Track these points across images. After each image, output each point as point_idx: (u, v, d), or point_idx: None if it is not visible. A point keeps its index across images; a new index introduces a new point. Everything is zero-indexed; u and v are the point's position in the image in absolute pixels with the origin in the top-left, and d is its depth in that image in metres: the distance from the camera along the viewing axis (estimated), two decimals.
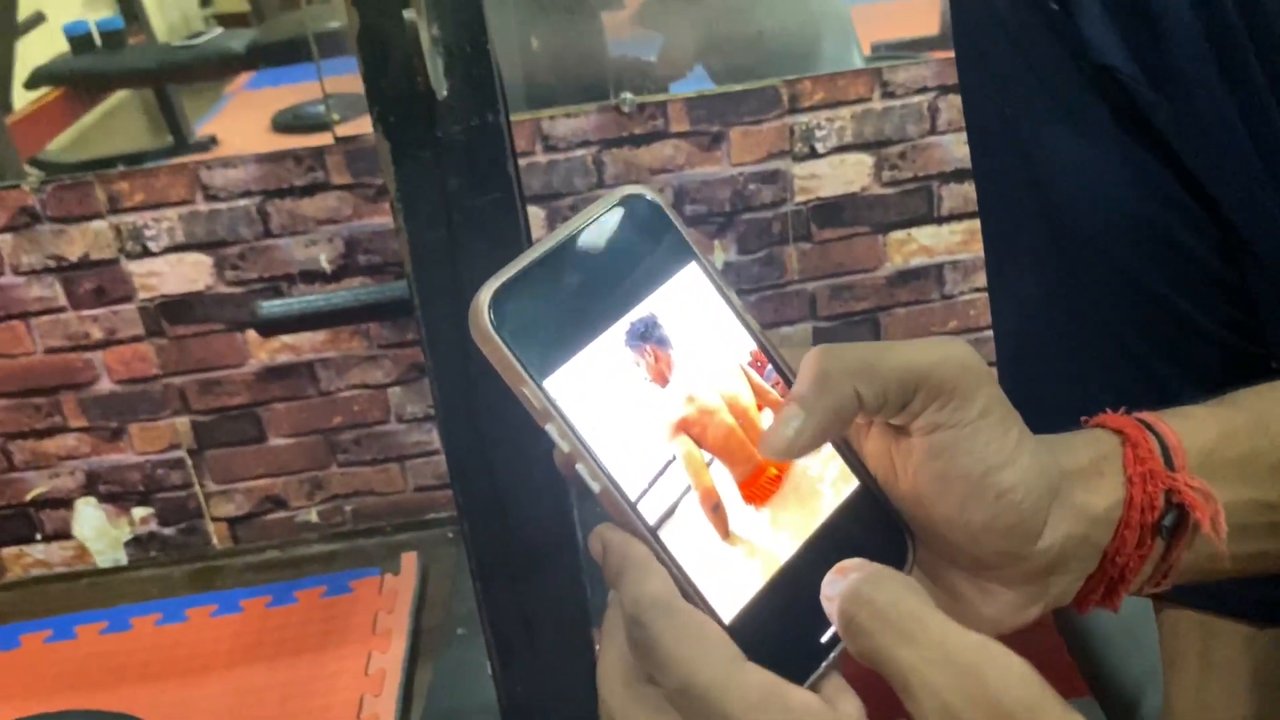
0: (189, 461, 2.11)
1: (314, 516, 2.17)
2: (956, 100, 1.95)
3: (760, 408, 0.37)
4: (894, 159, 1.99)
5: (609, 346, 0.35)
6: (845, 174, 1.98)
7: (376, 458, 2.13)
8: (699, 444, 0.35)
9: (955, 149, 1.98)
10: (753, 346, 0.37)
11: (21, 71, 2.36)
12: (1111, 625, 0.84)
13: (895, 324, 2.10)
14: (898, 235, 2.04)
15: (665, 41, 2.20)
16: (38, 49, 2.44)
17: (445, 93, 1.14)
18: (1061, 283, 0.60)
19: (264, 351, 2.03)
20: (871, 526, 0.37)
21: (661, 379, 0.35)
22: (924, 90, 1.94)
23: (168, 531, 2.16)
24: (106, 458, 2.09)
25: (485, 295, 0.34)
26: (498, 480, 1.36)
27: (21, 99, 2.40)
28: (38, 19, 2.49)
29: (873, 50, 2.19)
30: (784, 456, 0.35)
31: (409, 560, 2.09)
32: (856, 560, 0.35)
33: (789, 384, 0.37)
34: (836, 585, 0.34)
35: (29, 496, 2.11)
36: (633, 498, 0.34)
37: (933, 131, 1.97)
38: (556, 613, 1.44)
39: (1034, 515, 0.36)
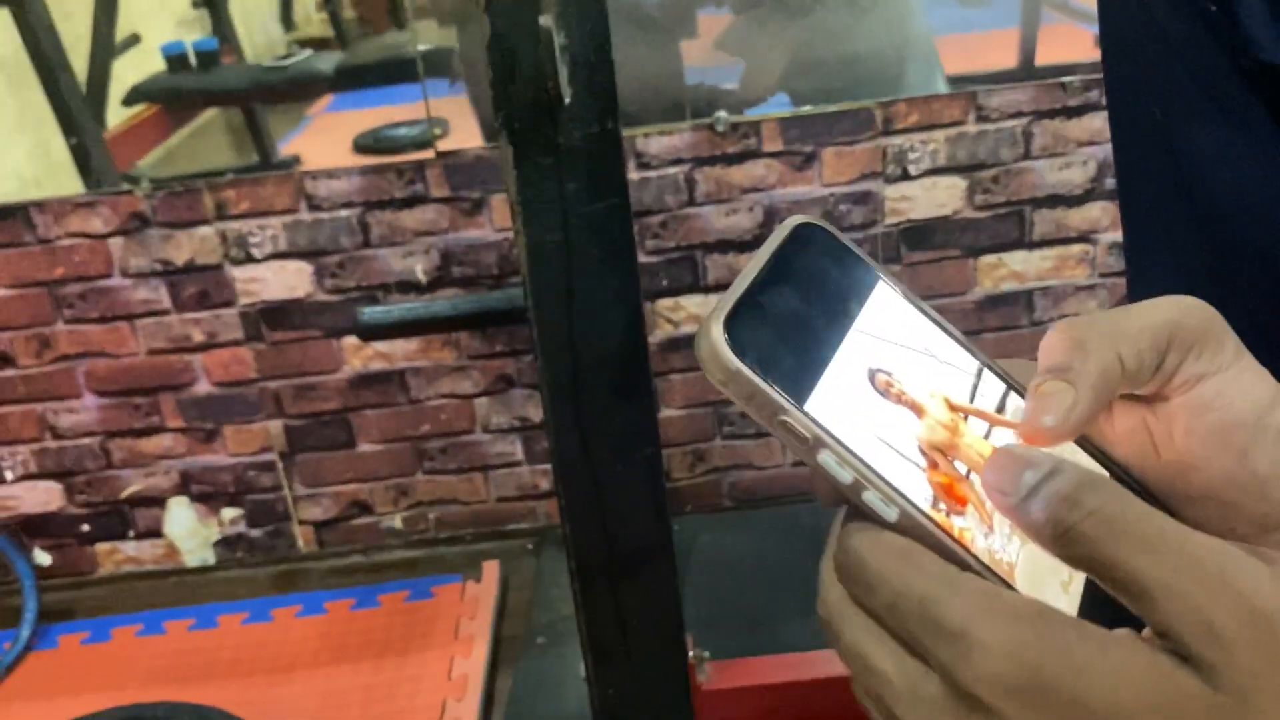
0: (279, 464, 2.16)
1: (398, 523, 2.20)
2: (1051, 125, 1.95)
3: (988, 418, 0.35)
4: (987, 183, 1.99)
5: (845, 368, 0.33)
6: (937, 196, 1.99)
7: (462, 467, 2.16)
8: (952, 455, 0.34)
9: (1048, 174, 1.98)
10: (967, 355, 0.37)
11: (118, 89, 2.44)
12: None
13: (984, 349, 2.09)
14: (988, 259, 2.04)
15: (747, 66, 2.23)
16: (133, 69, 2.52)
17: (569, 100, 1.17)
18: (1212, 290, 0.60)
19: (358, 359, 2.08)
20: None
21: (903, 398, 0.34)
22: (1019, 115, 1.95)
23: (255, 533, 2.21)
24: (200, 458, 2.15)
25: (717, 327, 0.31)
26: (600, 483, 1.38)
27: (115, 117, 2.48)
28: (133, 40, 2.58)
29: (953, 82, 2.20)
30: (1057, 438, 0.32)
31: (490, 568, 2.11)
32: (1029, 450, 0.32)
33: (1009, 386, 0.36)
34: (1014, 479, 0.31)
35: (124, 494, 2.17)
36: (935, 516, 0.32)
37: (1026, 156, 1.97)
38: (652, 617, 1.45)
39: None
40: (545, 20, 1.08)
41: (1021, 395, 0.36)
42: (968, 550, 0.32)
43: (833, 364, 0.33)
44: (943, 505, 0.32)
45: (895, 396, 0.33)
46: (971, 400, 0.35)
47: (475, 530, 2.20)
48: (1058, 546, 0.30)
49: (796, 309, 0.33)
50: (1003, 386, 0.36)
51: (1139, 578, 0.29)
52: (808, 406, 0.31)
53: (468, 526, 2.20)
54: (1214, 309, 0.35)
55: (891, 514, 0.31)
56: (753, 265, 0.34)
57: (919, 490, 0.32)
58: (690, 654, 1.48)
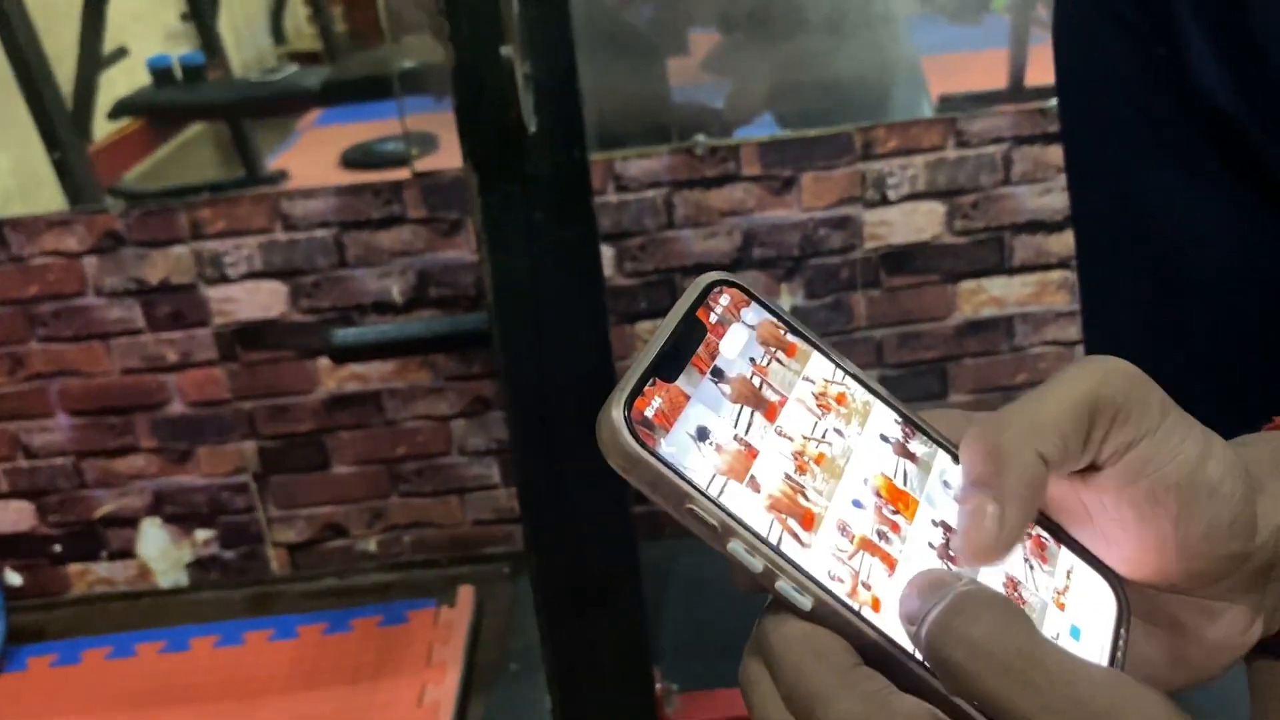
0: (253, 486, 2.14)
1: (373, 546, 2.18)
2: (1031, 151, 1.95)
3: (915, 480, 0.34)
4: (966, 208, 1.98)
5: (761, 446, 0.31)
6: (916, 222, 1.98)
7: (437, 489, 2.15)
8: (879, 535, 0.32)
9: (1028, 200, 1.97)
10: (895, 415, 0.35)
11: (104, 103, 2.43)
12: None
13: (963, 374, 2.08)
14: (968, 285, 2.03)
15: (733, 87, 2.22)
16: (120, 82, 2.51)
17: (534, 128, 1.16)
18: (1164, 331, 0.59)
19: (333, 380, 2.06)
20: (1073, 581, 0.34)
21: (823, 469, 0.32)
22: (998, 140, 1.94)
23: (228, 555, 2.19)
24: (173, 479, 2.13)
25: (618, 410, 0.30)
26: (566, 514, 1.36)
27: (101, 131, 2.47)
28: (121, 53, 2.57)
29: (941, 102, 2.19)
30: (991, 558, 0.32)
31: (465, 593, 2.09)
32: (934, 574, 0.31)
33: (941, 447, 0.35)
34: (915, 605, 0.30)
35: (97, 514, 2.15)
36: (854, 605, 0.30)
37: (1006, 182, 1.96)
38: (619, 649, 1.43)
39: (1248, 505, 0.34)
40: (507, 50, 1.07)
41: (953, 456, 0.35)
42: (889, 639, 0.30)
43: (747, 440, 0.31)
44: (869, 590, 0.31)
45: (813, 475, 0.32)
46: (898, 472, 0.34)
47: (451, 554, 2.18)
48: (943, 679, 0.29)
49: (707, 382, 0.32)
50: (935, 450, 0.35)
51: (1018, 714, 0.27)
52: (715, 492, 0.30)
53: (443, 550, 2.18)
54: (1134, 368, 0.34)
55: (806, 603, 0.30)
56: (660, 334, 0.32)
57: (841, 575, 0.31)
58: (658, 686, 1.46)
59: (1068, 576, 0.34)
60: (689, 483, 0.29)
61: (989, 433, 0.32)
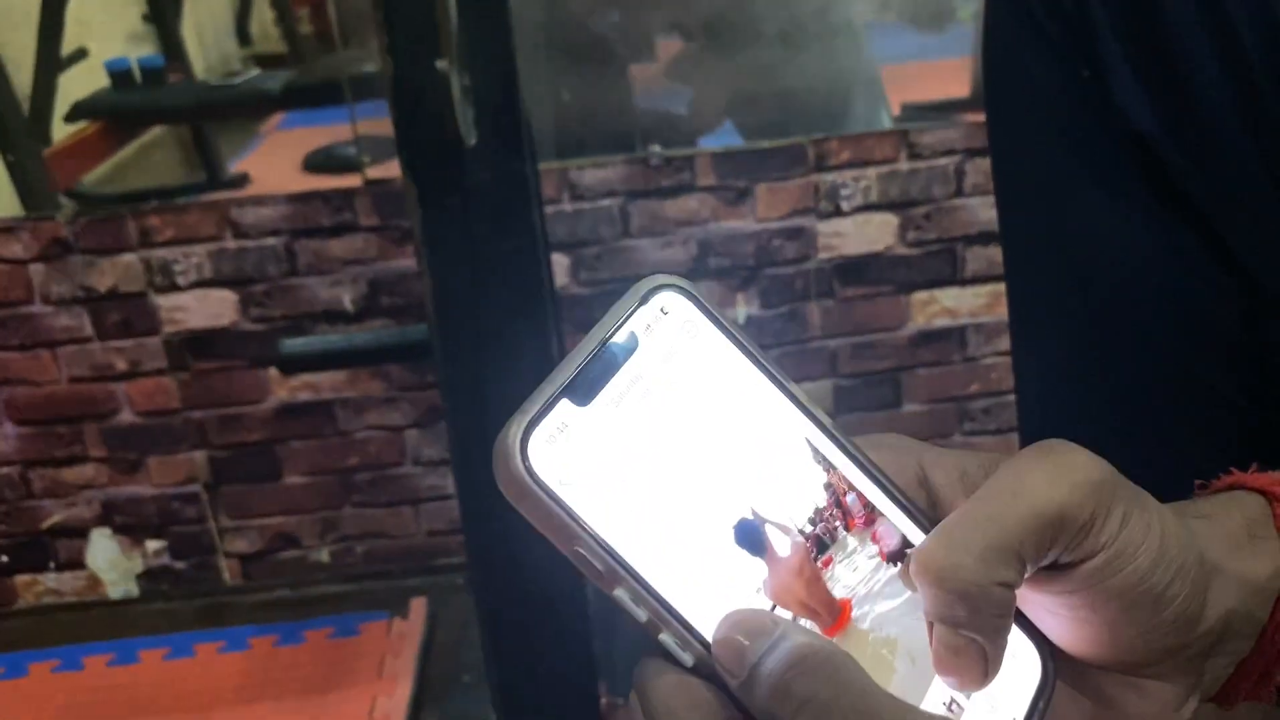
0: (204, 496, 2.12)
1: (326, 557, 2.16)
2: (983, 164, 1.96)
3: (852, 526, 0.32)
4: (919, 220, 1.99)
5: (677, 487, 0.29)
6: (870, 233, 1.99)
7: (391, 500, 2.13)
8: (797, 591, 0.31)
9: (980, 212, 1.98)
10: (834, 452, 0.32)
11: (62, 105, 2.40)
12: None
13: (917, 384, 2.09)
14: (921, 295, 2.03)
15: (695, 96, 2.22)
16: (79, 84, 2.48)
17: (474, 141, 1.15)
18: (1087, 348, 0.59)
19: (284, 389, 2.04)
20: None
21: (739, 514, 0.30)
22: (950, 153, 1.95)
23: (180, 565, 2.16)
24: (123, 489, 2.10)
25: (514, 436, 0.28)
26: (509, 527, 1.35)
27: (60, 132, 2.44)
28: (80, 55, 2.54)
29: (902, 110, 2.20)
30: (981, 687, 0.31)
31: (418, 605, 2.08)
32: (753, 616, 0.29)
33: (881, 489, 0.33)
34: (737, 650, 0.29)
35: (45, 524, 2.12)
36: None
37: (958, 194, 1.97)
38: (563, 664, 1.42)
39: (1193, 603, 0.33)
40: (443, 64, 1.06)
41: (897, 501, 0.33)
42: None
43: (659, 480, 0.29)
44: None
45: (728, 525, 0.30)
46: (840, 519, 0.32)
47: (404, 565, 2.17)
48: None
49: (625, 408, 0.29)
50: (881, 494, 0.33)
51: None
52: (607, 535, 0.28)
53: (397, 561, 2.17)
54: (1104, 470, 0.32)
55: (687, 659, 0.29)
56: (581, 348, 0.29)
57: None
58: (603, 700, 1.45)
59: None
60: (579, 523, 0.28)
61: (946, 568, 0.30)
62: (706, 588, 0.29)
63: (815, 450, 0.32)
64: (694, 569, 0.29)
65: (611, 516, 0.28)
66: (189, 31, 3.04)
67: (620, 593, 0.28)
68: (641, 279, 0.31)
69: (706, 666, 0.29)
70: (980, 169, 1.95)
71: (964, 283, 2.03)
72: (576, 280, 2.01)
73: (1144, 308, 0.55)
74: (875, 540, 0.32)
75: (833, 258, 2.00)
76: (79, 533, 2.13)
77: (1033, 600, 0.33)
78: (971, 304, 2.04)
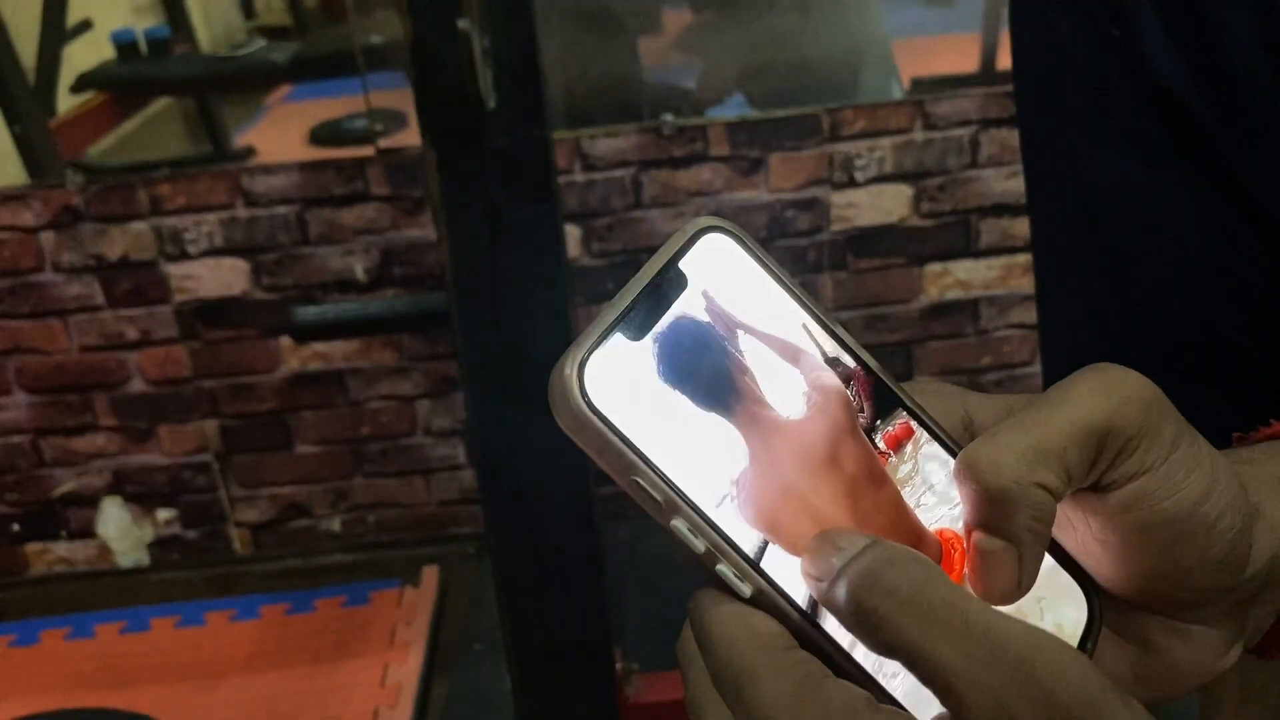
0: (215, 465, 2.12)
1: (336, 526, 2.17)
2: (998, 134, 1.95)
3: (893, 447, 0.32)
4: (933, 191, 1.98)
5: (727, 420, 0.29)
6: (884, 204, 1.98)
7: (402, 470, 2.13)
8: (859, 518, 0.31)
9: (995, 183, 1.97)
10: (881, 389, 0.32)
11: (68, 76, 2.39)
12: None
13: (929, 357, 2.09)
14: (934, 268, 2.03)
15: (704, 67, 2.21)
16: (84, 55, 2.47)
17: (494, 104, 1.15)
18: (1114, 310, 0.59)
19: (295, 359, 2.04)
20: (1043, 580, 0.32)
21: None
22: (966, 123, 1.94)
23: (190, 535, 2.17)
24: (134, 458, 2.10)
25: (571, 367, 0.28)
26: (526, 495, 1.36)
27: (66, 103, 2.43)
28: (85, 26, 2.53)
29: (913, 85, 2.19)
30: (1011, 601, 0.31)
31: (429, 574, 2.08)
32: (843, 532, 0.29)
33: (924, 425, 0.32)
34: (829, 562, 0.29)
35: (55, 493, 2.12)
36: (793, 594, 0.29)
37: (973, 165, 1.96)
38: (578, 630, 1.43)
39: (1242, 541, 0.32)
40: (464, 23, 1.05)
41: (943, 442, 0.32)
42: (830, 638, 0.29)
43: (712, 414, 0.29)
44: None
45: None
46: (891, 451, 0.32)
47: (415, 535, 2.17)
48: (860, 632, 0.28)
49: (677, 343, 0.29)
50: (926, 434, 0.32)
51: (939, 663, 0.27)
52: (665, 465, 0.28)
53: (408, 530, 2.17)
54: (1152, 389, 0.32)
55: (745, 590, 0.29)
56: (632, 286, 0.29)
57: (786, 563, 0.29)
58: (619, 666, 1.46)
59: (1042, 576, 0.33)
60: (637, 453, 0.28)
61: (986, 468, 0.30)
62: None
63: (863, 387, 0.32)
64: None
65: (667, 448, 0.28)
66: (192, 3, 3.02)
67: (678, 523, 0.28)
68: (689, 220, 0.31)
69: (766, 597, 0.29)
70: (995, 140, 1.94)
71: (977, 255, 2.02)
72: (588, 252, 2.00)
73: (1172, 268, 0.55)
74: (925, 478, 0.32)
75: (846, 229, 1.99)
76: (90, 502, 2.13)
77: (1083, 528, 0.33)
78: (985, 276, 2.03)
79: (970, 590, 0.31)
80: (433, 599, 2.02)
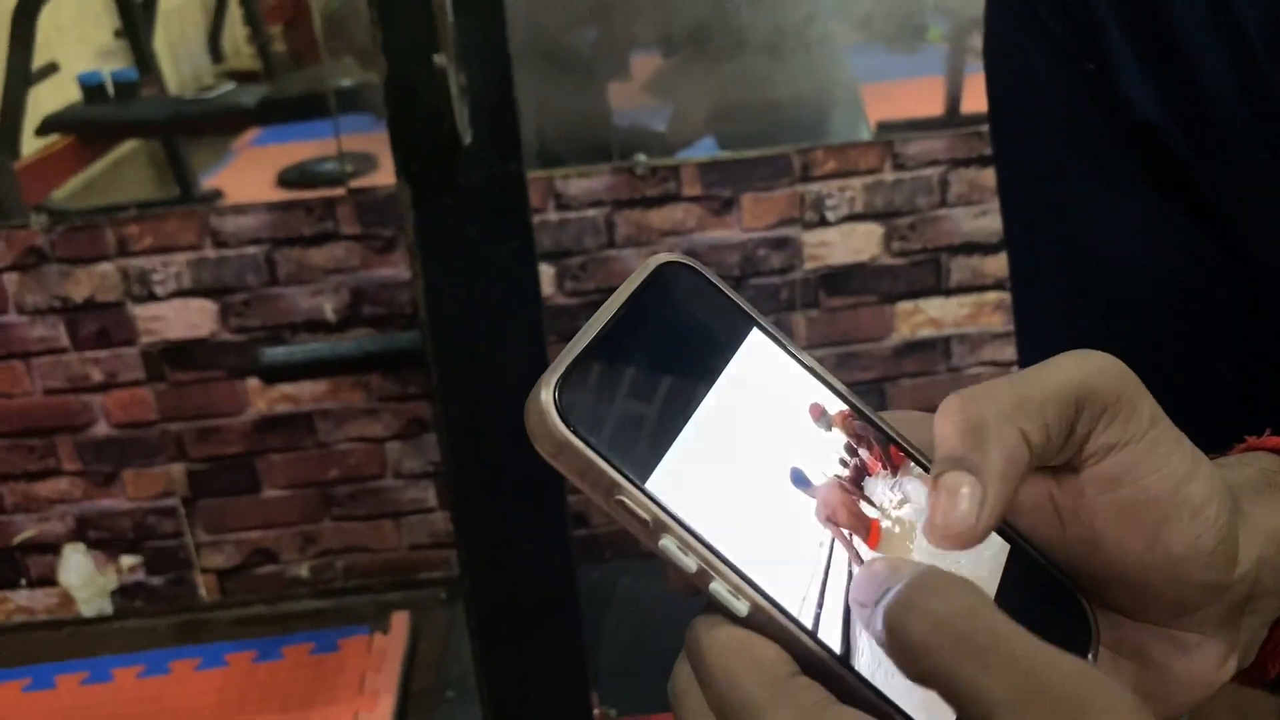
0: (181, 510, 2.08)
1: (305, 571, 2.13)
2: (967, 174, 1.97)
3: (873, 472, 0.32)
4: (903, 230, 2.00)
5: (702, 438, 0.29)
6: (855, 243, 1.99)
7: (371, 513, 2.10)
8: (838, 530, 0.30)
9: (964, 222, 1.99)
10: (846, 410, 0.32)
11: (33, 119, 2.37)
12: None
13: (901, 395, 2.09)
14: (905, 306, 2.04)
15: (675, 110, 2.22)
16: (51, 97, 2.45)
17: (469, 140, 1.14)
18: (1091, 338, 0.59)
19: (263, 401, 2.01)
20: (1038, 597, 0.32)
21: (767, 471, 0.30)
22: (935, 163, 1.96)
23: (155, 581, 2.12)
24: (98, 503, 2.06)
25: (547, 392, 0.27)
26: (501, 537, 1.34)
27: (31, 146, 2.41)
28: (51, 69, 2.51)
29: (879, 129, 2.21)
30: (967, 541, 0.29)
31: (400, 620, 2.05)
32: (893, 560, 0.29)
33: (903, 450, 0.32)
34: (874, 590, 0.28)
35: (16, 540, 2.08)
36: (793, 610, 0.28)
37: (943, 204, 1.98)
38: (555, 675, 1.40)
39: (1231, 533, 0.32)
40: (440, 59, 1.05)
41: (916, 461, 0.32)
42: (830, 651, 0.28)
43: (687, 433, 0.29)
44: (814, 596, 0.29)
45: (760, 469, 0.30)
46: (854, 473, 0.31)
47: (385, 580, 2.14)
48: (898, 659, 0.27)
49: (649, 367, 0.29)
50: (899, 451, 0.32)
51: (981, 696, 0.26)
52: (650, 484, 0.28)
53: (377, 575, 2.14)
54: (1128, 369, 0.32)
55: (741, 607, 0.28)
56: (601, 314, 0.30)
57: (782, 579, 0.28)
58: (596, 711, 1.43)
59: (1037, 593, 0.32)
60: (620, 472, 0.28)
61: (969, 404, 0.30)
62: (750, 534, 0.29)
63: (834, 407, 0.32)
64: (734, 517, 0.29)
65: (648, 467, 0.28)
66: (160, 48, 3.01)
67: (667, 542, 0.28)
68: (650, 256, 0.32)
69: (763, 614, 0.28)
70: (964, 179, 1.97)
71: (948, 293, 2.04)
72: (562, 291, 1.99)
73: (1151, 300, 0.55)
74: (898, 490, 0.32)
75: (818, 268, 2.00)
76: (51, 549, 2.08)
77: (1073, 519, 0.32)
78: (956, 314, 2.05)
79: (939, 549, 0.30)
80: (403, 645, 1.98)
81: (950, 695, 0.26)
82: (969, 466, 0.29)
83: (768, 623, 0.28)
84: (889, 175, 1.96)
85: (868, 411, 0.33)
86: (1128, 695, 0.26)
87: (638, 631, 1.94)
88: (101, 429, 2.02)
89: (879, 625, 0.27)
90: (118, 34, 3.04)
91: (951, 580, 0.27)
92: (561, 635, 1.39)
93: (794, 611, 0.28)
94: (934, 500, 0.30)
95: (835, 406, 0.32)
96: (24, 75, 2.37)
